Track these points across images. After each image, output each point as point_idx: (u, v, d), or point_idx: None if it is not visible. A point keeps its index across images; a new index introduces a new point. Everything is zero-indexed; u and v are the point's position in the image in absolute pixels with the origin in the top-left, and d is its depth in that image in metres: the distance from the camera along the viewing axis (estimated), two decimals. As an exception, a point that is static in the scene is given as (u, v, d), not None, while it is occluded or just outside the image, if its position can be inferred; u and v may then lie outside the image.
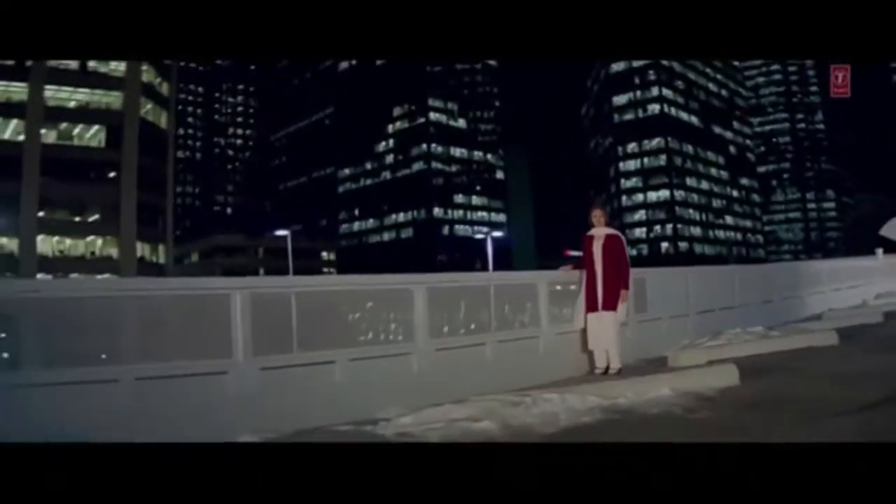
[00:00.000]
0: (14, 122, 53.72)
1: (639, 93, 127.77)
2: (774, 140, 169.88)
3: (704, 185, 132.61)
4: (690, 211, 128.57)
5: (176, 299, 5.52)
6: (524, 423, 5.58)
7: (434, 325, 6.88)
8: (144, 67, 59.72)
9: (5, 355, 4.74)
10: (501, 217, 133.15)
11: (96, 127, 57.65)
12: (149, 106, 60.96)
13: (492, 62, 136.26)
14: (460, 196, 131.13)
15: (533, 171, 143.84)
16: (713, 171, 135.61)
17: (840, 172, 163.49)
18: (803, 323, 12.78)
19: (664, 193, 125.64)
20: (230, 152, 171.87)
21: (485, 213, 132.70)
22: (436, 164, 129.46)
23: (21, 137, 53.38)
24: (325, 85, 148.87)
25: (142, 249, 59.42)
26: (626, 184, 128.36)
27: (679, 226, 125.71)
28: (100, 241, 58.39)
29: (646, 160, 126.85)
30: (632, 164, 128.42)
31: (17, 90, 53.71)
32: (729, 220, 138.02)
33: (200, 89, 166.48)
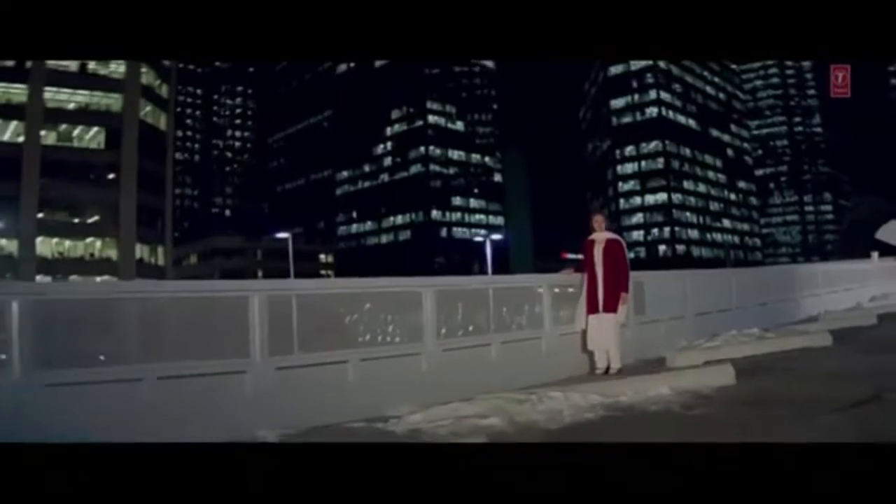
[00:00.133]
0: (14, 124, 53.64)
1: (636, 96, 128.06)
2: (772, 143, 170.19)
3: (702, 188, 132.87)
4: (688, 214, 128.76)
5: (196, 301, 5.76)
6: (530, 419, 5.83)
7: (441, 326, 7.13)
8: (144, 69, 59.76)
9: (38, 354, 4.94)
10: (499, 220, 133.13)
11: (96, 128, 57.63)
12: (148, 108, 60.91)
13: (490, 65, 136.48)
14: (458, 198, 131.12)
15: (531, 173, 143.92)
16: (711, 174, 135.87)
17: (837, 175, 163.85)
18: (799, 325, 13.02)
19: (662, 196, 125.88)
20: (228, 154, 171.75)
21: (482, 216, 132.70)
22: (434, 167, 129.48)
23: (21, 139, 53.31)
24: (323, 87, 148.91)
25: (141, 251, 59.37)
26: (624, 187, 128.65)
27: (677, 229, 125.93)
28: (99, 243, 58.35)
29: (643, 163, 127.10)
30: (629, 168, 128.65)
31: (17, 92, 53.67)
32: (726, 222, 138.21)
33: (199, 91, 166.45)
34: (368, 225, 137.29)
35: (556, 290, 8.90)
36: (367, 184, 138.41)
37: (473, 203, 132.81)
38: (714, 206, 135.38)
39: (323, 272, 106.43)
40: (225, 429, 5.14)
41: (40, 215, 53.07)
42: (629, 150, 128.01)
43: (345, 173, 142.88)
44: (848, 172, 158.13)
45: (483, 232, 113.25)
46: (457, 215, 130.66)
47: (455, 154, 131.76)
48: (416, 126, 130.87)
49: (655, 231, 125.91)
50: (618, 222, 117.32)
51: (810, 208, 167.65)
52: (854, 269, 22.51)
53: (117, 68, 58.08)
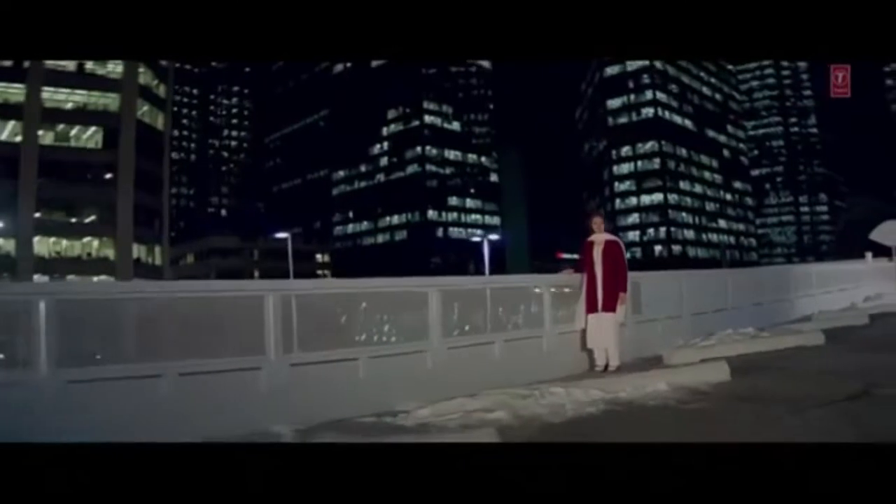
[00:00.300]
0: (11, 124, 53.78)
1: (633, 96, 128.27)
2: (768, 144, 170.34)
3: (698, 188, 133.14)
4: (684, 214, 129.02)
5: (214, 301, 6.00)
6: (534, 413, 6.08)
7: (446, 325, 7.38)
8: (141, 69, 59.85)
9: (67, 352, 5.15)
10: (495, 219, 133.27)
11: (93, 128, 57.81)
12: (145, 108, 61.04)
13: (486, 65, 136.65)
14: (454, 198, 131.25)
15: (527, 173, 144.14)
16: (707, 174, 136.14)
17: (833, 176, 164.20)
18: (793, 324, 13.26)
19: (658, 197, 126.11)
20: (225, 154, 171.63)
21: (479, 216, 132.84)
22: (430, 167, 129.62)
23: (18, 138, 53.48)
24: (319, 87, 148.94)
25: (138, 251, 59.48)
26: (620, 187, 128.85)
27: (672, 229, 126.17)
28: (96, 243, 58.47)
29: (639, 163, 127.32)
30: (625, 168, 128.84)
31: (15, 91, 53.82)
32: (722, 223, 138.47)
33: (195, 91, 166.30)
34: (365, 225, 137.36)
35: (556, 290, 9.14)
36: (363, 184, 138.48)
37: (470, 203, 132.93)
38: (710, 206, 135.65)
39: (319, 272, 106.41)
40: (242, 423, 5.39)
41: (37, 215, 53.19)
42: (625, 150, 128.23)
43: (341, 173, 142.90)
44: (844, 173, 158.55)
45: (479, 232, 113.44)
46: (453, 215, 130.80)
47: (451, 154, 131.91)
48: (413, 126, 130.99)
49: (651, 231, 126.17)
50: (614, 222, 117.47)
51: (806, 209, 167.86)
52: (848, 270, 22.74)
53: (115, 68, 58.21)
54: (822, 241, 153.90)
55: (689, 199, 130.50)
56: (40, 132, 54.40)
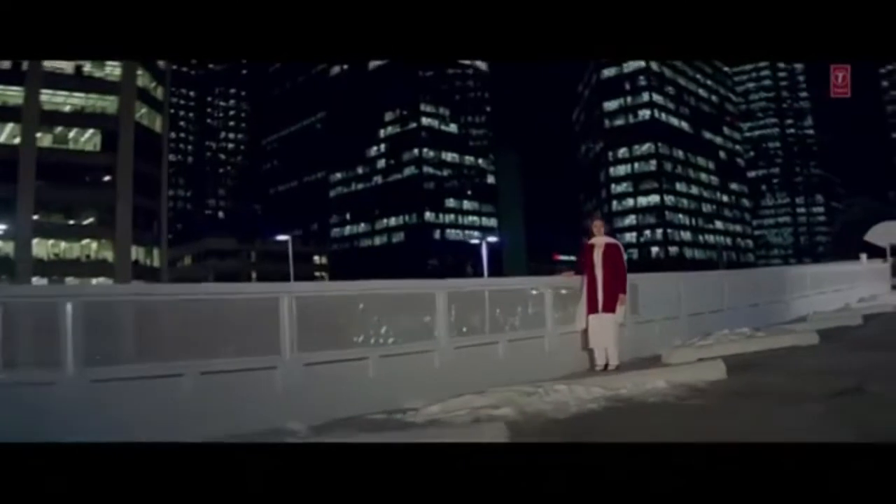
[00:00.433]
0: (10, 126, 53.87)
1: (629, 98, 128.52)
2: (764, 145, 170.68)
3: (694, 189, 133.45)
4: (680, 216, 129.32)
5: (232, 303, 6.26)
6: (539, 409, 6.33)
7: (453, 325, 7.64)
8: (139, 72, 59.97)
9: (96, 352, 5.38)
10: (492, 221, 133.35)
11: (91, 131, 57.90)
12: (143, 110, 61.08)
13: (483, 67, 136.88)
14: (452, 200, 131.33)
15: (524, 175, 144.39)
16: (703, 175, 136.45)
17: (829, 177, 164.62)
18: (788, 325, 13.50)
19: (654, 198, 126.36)
20: (222, 156, 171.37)
21: (476, 218, 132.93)
22: (427, 169, 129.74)
23: (17, 141, 53.55)
24: (316, 89, 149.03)
25: (136, 253, 59.55)
26: (617, 189, 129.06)
27: (669, 230, 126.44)
28: (95, 245, 58.54)
29: (636, 165, 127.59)
30: (622, 169, 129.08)
31: (13, 94, 53.91)
32: (719, 224, 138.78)
33: (192, 93, 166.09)
34: (362, 227, 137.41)
35: (557, 292, 9.38)
36: (360, 186, 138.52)
37: (467, 205, 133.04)
38: (706, 207, 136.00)
39: (317, 274, 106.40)
40: (259, 421, 5.65)
41: (36, 217, 53.14)
42: (622, 152, 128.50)
43: (338, 175, 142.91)
44: (840, 174, 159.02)
45: (476, 234, 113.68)
46: (450, 217, 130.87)
47: (448, 156, 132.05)
48: (410, 128, 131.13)
49: (648, 233, 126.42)
50: (610, 224, 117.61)
51: (802, 210, 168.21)
52: (843, 271, 22.96)
53: (113, 71, 58.32)
54: (819, 242, 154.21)
55: (685, 201, 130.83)
56: (39, 134, 54.46)
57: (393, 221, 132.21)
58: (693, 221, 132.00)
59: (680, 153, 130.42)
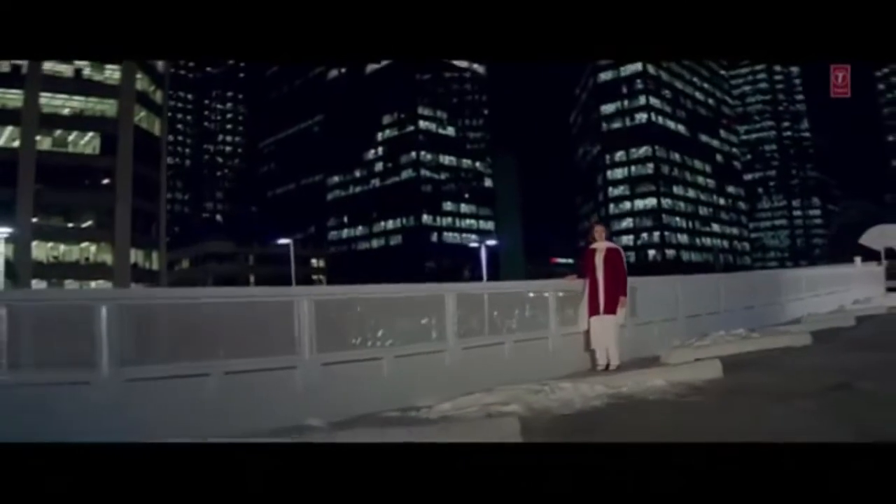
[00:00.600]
0: (9, 129, 54.01)
1: (626, 102, 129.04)
2: (760, 148, 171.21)
3: (691, 193, 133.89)
4: (677, 219, 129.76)
5: (254, 305, 6.59)
6: (545, 406, 6.68)
7: (461, 327, 7.99)
8: (139, 75, 60.17)
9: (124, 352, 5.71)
10: (490, 224, 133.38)
11: (91, 134, 57.94)
12: (142, 113, 61.20)
13: (480, 70, 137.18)
14: (449, 203, 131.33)
15: (521, 178, 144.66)
16: (700, 179, 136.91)
17: (826, 180, 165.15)
18: (782, 326, 13.87)
19: (651, 201, 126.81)
20: (219, 159, 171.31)
21: (473, 221, 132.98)
22: (425, 172, 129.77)
23: (16, 144, 53.71)
24: (314, 92, 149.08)
25: (135, 255, 59.67)
26: (614, 192, 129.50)
27: (666, 233, 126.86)
28: (94, 248, 58.64)
29: (633, 168, 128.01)
30: (619, 172, 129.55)
31: (13, 97, 54.03)
32: (715, 227, 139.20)
33: (190, 96, 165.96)
34: (359, 230, 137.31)
35: (559, 294, 9.73)
36: (358, 189, 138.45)
37: (464, 208, 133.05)
38: (703, 210, 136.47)
39: (315, 277, 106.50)
40: (280, 418, 5.98)
41: (35, 220, 53.23)
42: (619, 155, 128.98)
43: (336, 178, 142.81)
44: (836, 177, 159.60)
45: (474, 237, 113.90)
46: (448, 220, 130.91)
47: (446, 159, 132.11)
48: (408, 131, 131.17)
49: (645, 236, 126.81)
50: (608, 227, 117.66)
51: (799, 213, 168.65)
52: (838, 274, 23.32)
53: (112, 74, 58.41)
54: (816, 244, 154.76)
55: (682, 204, 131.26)
56: (38, 137, 54.59)
57: (390, 224, 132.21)
58: (690, 224, 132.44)
59: (677, 156, 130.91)
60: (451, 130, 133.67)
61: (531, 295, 9.71)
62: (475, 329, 8.28)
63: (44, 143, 55.37)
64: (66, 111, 57.28)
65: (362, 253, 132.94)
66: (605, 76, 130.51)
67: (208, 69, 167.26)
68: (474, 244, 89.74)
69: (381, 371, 7.08)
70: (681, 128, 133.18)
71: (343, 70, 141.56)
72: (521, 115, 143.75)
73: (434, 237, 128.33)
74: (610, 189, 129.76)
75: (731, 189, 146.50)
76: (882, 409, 5.96)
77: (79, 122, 57.72)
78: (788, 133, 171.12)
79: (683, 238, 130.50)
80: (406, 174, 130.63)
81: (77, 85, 57.37)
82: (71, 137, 57.85)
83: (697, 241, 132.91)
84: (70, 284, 54.37)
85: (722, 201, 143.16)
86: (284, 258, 77.10)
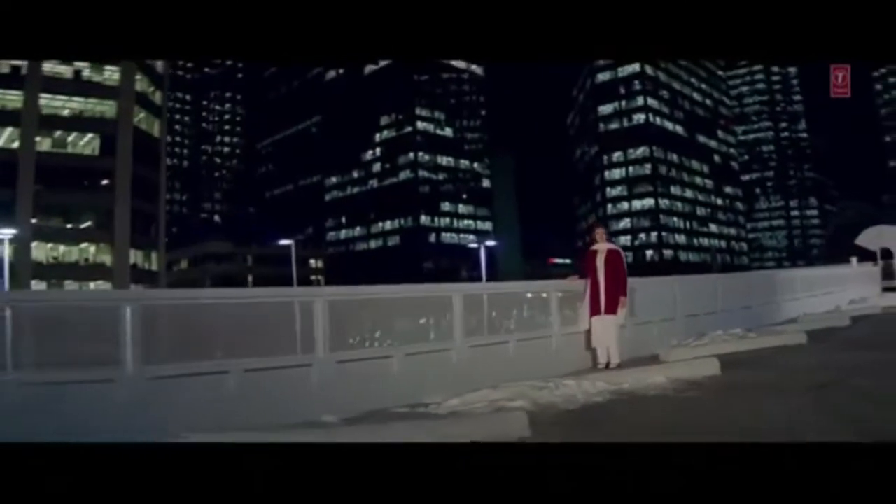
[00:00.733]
0: (9, 130, 54.20)
1: (624, 102, 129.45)
2: (758, 148, 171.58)
3: (689, 193, 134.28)
4: (675, 219, 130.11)
5: (271, 305, 6.86)
6: (550, 401, 6.95)
7: (468, 326, 8.27)
8: (138, 76, 60.32)
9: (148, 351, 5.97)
10: (488, 225, 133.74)
11: (90, 135, 58.18)
12: (142, 115, 61.38)
13: (478, 71, 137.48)
14: (447, 204, 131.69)
15: (519, 179, 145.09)
16: (697, 179, 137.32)
17: (823, 180, 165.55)
18: (778, 326, 14.15)
19: (649, 202, 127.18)
20: (217, 160, 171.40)
21: (471, 221, 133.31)
22: (423, 173, 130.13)
23: (16, 144, 53.88)
24: (312, 93, 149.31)
25: (134, 256, 59.82)
26: (612, 192, 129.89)
27: (664, 234, 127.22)
28: (93, 248, 58.77)
29: (631, 169, 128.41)
30: (617, 173, 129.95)
31: (13, 98, 54.22)
32: (713, 227, 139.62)
33: (188, 97, 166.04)
34: (358, 230, 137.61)
35: (561, 295, 10.01)
36: (356, 189, 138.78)
37: (462, 208, 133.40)
38: (701, 211, 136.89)
39: (313, 278, 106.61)
40: (296, 413, 6.24)
41: (35, 220, 53.34)
42: (617, 155, 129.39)
43: (334, 179, 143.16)
44: (834, 177, 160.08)
45: (472, 237, 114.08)
46: (445, 220, 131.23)
47: (444, 160, 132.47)
48: (405, 132, 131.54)
49: (643, 236, 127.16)
50: (605, 228, 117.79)
51: (796, 213, 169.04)
52: (835, 274, 23.55)
53: (112, 75, 58.58)
54: (813, 244, 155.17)
55: (680, 204, 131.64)
56: (37, 138, 54.82)
57: (388, 225, 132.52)
58: (687, 225, 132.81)
59: (674, 157, 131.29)
60: (448, 131, 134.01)
61: (531, 295, 10.01)
62: (481, 328, 8.56)
63: (43, 144, 55.59)
64: (65, 112, 57.49)
65: (360, 253, 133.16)
66: (602, 77, 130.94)
67: (206, 70, 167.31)
68: (473, 245, 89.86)
69: (391, 369, 7.36)
70: (678, 128, 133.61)
71: (341, 71, 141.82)
72: (519, 116, 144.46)
73: (432, 238, 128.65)
74: (607, 189, 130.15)
75: (728, 189, 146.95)
76: (873, 405, 6.23)
77: (78, 123, 57.94)
78: (786, 133, 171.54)
79: (681, 238, 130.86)
80: (404, 175, 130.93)
81: (77, 86, 57.55)
82: (70, 138, 58.05)
83: (695, 241, 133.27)
84: (69, 285, 54.52)
85: (719, 202, 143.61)
86: (283, 259, 77.27)
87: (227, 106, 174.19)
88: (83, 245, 58.80)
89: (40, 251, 55.78)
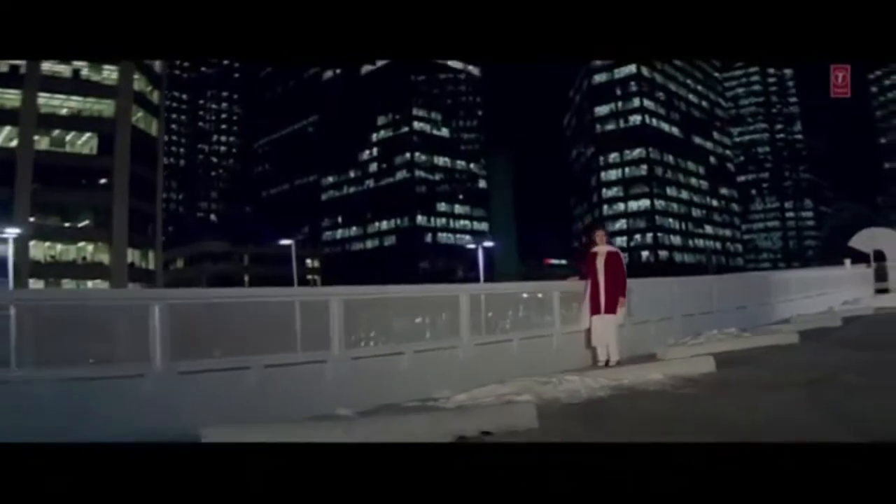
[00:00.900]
0: (7, 129, 54.28)
1: (620, 103, 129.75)
2: (754, 150, 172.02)
3: (684, 194, 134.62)
4: (670, 220, 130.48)
5: (288, 304, 7.19)
6: (554, 396, 7.33)
7: (475, 324, 8.62)
8: (136, 76, 60.46)
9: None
10: (484, 225, 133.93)
11: (88, 134, 58.35)
12: (140, 114, 61.52)
13: (475, 72, 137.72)
14: (443, 204, 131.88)
15: (515, 180, 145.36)
16: (693, 180, 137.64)
17: (818, 182, 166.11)
18: (772, 326, 14.52)
19: (645, 203, 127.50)
20: (214, 159, 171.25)
21: (467, 222, 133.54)
22: (419, 173, 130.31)
23: (14, 143, 53.98)
24: (309, 93, 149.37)
25: (132, 255, 59.94)
26: (608, 193, 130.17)
27: (659, 235, 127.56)
28: (91, 247, 58.88)
29: (627, 170, 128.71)
30: (613, 174, 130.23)
31: (11, 97, 54.29)
32: (708, 229, 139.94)
33: (185, 96, 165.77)
34: (354, 230, 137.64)
35: (563, 295, 10.37)
36: (352, 189, 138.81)
37: (458, 209, 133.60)
38: (696, 212, 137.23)
39: (309, 277, 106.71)
40: (313, 407, 6.56)
41: (33, 219, 53.41)
42: (613, 156, 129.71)
43: (330, 179, 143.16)
44: (829, 179, 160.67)
45: (468, 238, 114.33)
46: (442, 221, 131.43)
47: (440, 160, 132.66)
48: (402, 132, 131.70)
49: (638, 237, 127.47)
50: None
51: (791, 214, 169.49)
52: (828, 276, 23.92)
53: (110, 74, 58.69)
54: (808, 246, 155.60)
55: (675, 205, 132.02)
56: (36, 137, 54.93)
57: (385, 225, 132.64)
58: (683, 226, 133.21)
59: (670, 158, 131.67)
60: (445, 131, 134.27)
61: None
62: (487, 326, 8.91)
63: (41, 142, 55.75)
64: (63, 111, 57.61)
65: (357, 253, 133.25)
66: (599, 78, 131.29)
67: (203, 69, 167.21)
68: (471, 245, 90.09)
69: (401, 365, 7.71)
70: (674, 130, 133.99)
71: (338, 71, 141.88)
72: (516, 117, 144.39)
73: (428, 238, 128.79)
74: (603, 191, 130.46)
75: (724, 191, 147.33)
76: (861, 400, 6.59)
77: (76, 122, 58.08)
78: (781, 135, 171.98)
79: (676, 239, 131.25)
80: (400, 175, 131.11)
81: (75, 85, 57.69)
82: (68, 137, 58.16)
83: (690, 242, 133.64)
84: (67, 284, 54.67)
85: (715, 203, 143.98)
86: (279, 258, 77.36)
87: (224, 105, 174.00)
88: (81, 244, 58.92)
89: (38, 250, 55.83)
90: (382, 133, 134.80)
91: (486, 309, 8.83)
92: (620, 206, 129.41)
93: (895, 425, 5.42)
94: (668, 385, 7.93)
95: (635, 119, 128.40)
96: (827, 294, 21.09)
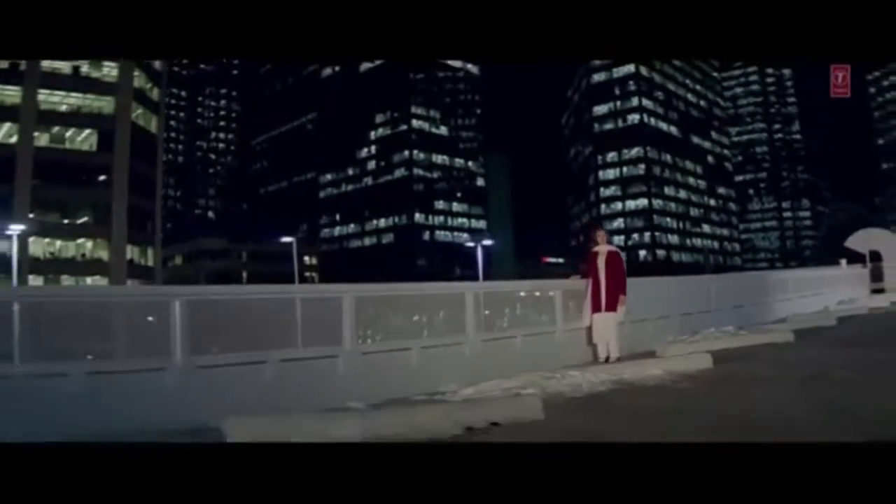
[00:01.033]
0: (7, 125, 54.13)
1: (619, 103, 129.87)
2: (751, 150, 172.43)
3: (682, 193, 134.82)
4: (668, 219, 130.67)
5: (303, 301, 7.45)
6: (558, 390, 7.63)
7: (480, 322, 8.90)
8: (136, 73, 60.48)
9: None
10: (482, 223, 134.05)
11: (88, 130, 58.16)
12: (139, 111, 61.46)
13: (474, 70, 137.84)
14: (441, 202, 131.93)
15: (513, 178, 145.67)
16: (691, 180, 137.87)
17: (816, 182, 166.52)
18: (768, 325, 14.79)
19: (643, 202, 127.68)
20: (212, 156, 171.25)
21: (465, 220, 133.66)
22: (417, 171, 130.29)
23: (14, 140, 53.90)
24: (307, 90, 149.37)
25: (131, 252, 59.96)
26: (606, 192, 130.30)
27: (657, 234, 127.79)
28: (90, 244, 58.80)
29: (625, 169, 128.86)
30: (611, 173, 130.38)
31: (11, 93, 54.14)
32: (706, 228, 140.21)
33: (183, 93, 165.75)
34: (352, 227, 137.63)
35: (565, 294, 10.65)
36: (350, 187, 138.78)
37: (456, 207, 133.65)
38: (694, 211, 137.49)
39: (307, 274, 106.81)
40: (324, 400, 6.81)
41: (32, 216, 53.29)
42: (611, 155, 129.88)
43: (328, 176, 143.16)
44: (827, 179, 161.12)
45: (466, 236, 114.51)
46: (440, 219, 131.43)
47: (438, 158, 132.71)
48: (401, 130, 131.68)
49: (636, 236, 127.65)
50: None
51: (789, 214, 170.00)
52: (824, 276, 24.13)
53: (110, 71, 58.56)
54: (805, 246, 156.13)
55: (673, 205, 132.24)
56: (35, 134, 54.80)
57: (383, 223, 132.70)
58: (681, 225, 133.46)
59: (668, 157, 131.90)
60: (443, 130, 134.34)
61: (539, 294, 10.65)
62: (492, 323, 9.19)
63: (41, 139, 55.54)
64: (63, 108, 57.47)
65: (354, 251, 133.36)
66: (597, 77, 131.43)
67: (202, 66, 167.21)
68: (470, 244, 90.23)
69: (410, 360, 7.99)
70: (673, 129, 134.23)
71: (337, 68, 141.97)
72: (514, 116, 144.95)
73: (426, 235, 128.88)
74: (601, 190, 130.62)
75: (721, 190, 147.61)
76: (851, 394, 6.87)
77: (76, 118, 57.91)
78: (779, 135, 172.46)
79: (674, 239, 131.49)
80: (399, 173, 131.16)
81: (75, 82, 57.56)
82: (68, 134, 58.03)
83: (688, 241, 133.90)
84: (66, 281, 54.77)
85: (713, 202, 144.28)
86: (277, 256, 77.41)
87: (223, 102, 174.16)
88: (80, 240, 58.77)
89: (37, 246, 55.70)
90: (381, 131, 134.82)
91: (489, 307, 9.10)
92: (618, 206, 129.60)
93: (885, 419, 5.64)
94: (666, 380, 8.24)
95: (633, 118, 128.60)
96: (823, 294, 21.31)
